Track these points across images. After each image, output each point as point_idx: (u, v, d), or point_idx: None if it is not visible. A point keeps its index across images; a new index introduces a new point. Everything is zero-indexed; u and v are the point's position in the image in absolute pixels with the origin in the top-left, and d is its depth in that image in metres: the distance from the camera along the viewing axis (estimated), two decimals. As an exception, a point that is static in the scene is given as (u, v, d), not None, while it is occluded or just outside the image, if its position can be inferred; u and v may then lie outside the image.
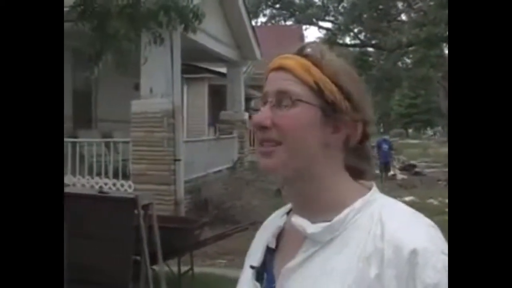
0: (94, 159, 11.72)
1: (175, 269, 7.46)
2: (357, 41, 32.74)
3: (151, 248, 6.08)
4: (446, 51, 40.07)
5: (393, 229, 1.20)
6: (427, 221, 1.24)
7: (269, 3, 33.01)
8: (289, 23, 33.15)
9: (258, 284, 1.35)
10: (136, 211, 5.75)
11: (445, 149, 30.31)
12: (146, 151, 11.30)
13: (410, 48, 29.23)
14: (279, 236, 1.40)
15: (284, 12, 33.37)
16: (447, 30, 27.27)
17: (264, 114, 1.31)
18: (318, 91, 1.28)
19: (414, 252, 1.15)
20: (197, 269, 7.94)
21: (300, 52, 1.34)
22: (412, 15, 29.80)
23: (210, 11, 11.72)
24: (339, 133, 1.30)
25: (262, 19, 33.82)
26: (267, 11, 33.72)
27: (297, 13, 32.11)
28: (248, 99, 19.87)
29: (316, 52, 1.33)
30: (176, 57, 11.42)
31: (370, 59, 34.72)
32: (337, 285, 1.20)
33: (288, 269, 1.28)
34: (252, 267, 1.38)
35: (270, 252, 1.39)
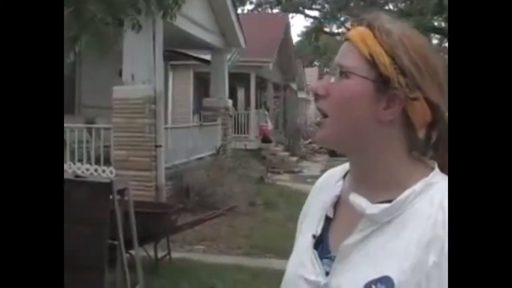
0: (76, 145, 11.70)
1: (152, 254, 7.51)
2: (344, 30, 32.66)
3: (127, 233, 6.11)
4: (434, 41, 40.07)
5: None
6: None
7: (256, -10, 32.94)
8: (275, 11, 33.11)
9: (316, 253, 1.34)
10: (111, 196, 5.77)
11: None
12: (128, 137, 11.29)
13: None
14: (336, 204, 1.38)
15: (270, 0, 33.30)
16: (433, 20, 27.31)
17: (320, 83, 1.31)
18: (372, 63, 1.25)
19: None
20: (175, 255, 7.97)
21: (366, 23, 1.30)
22: (399, 4, 29.80)
23: (193, -2, 11.71)
24: (391, 109, 1.26)
25: (248, 7, 33.75)
26: (254, -1, 33.65)
27: (283, 1, 32.04)
28: (232, 86, 19.85)
29: (377, 22, 1.29)
30: (158, 43, 11.39)
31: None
32: (394, 269, 1.19)
33: (346, 246, 1.27)
34: (313, 236, 1.36)
35: (327, 221, 1.37)
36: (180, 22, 9.72)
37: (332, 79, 1.30)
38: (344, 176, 1.42)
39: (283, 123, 30.81)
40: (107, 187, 5.82)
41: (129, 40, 10.04)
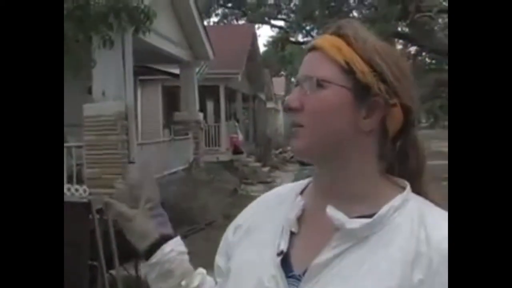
0: (47, 164, 11.55)
1: (133, 272, 7.41)
2: (310, 39, 32.91)
3: (108, 252, 6.02)
4: (398, 47, 40.50)
5: (441, 236, 1.15)
6: None
7: (221, 2, 33.05)
8: (241, 22, 33.21)
9: (282, 271, 1.24)
10: (90, 216, 5.69)
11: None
12: (100, 154, 11.19)
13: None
14: (300, 219, 1.30)
15: (236, 11, 33.45)
16: (397, 26, 27.63)
17: (293, 96, 1.26)
18: (349, 71, 1.21)
19: None
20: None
21: (336, 32, 1.27)
22: (364, 11, 30.10)
23: (161, 12, 11.65)
24: (372, 117, 1.23)
25: (214, 19, 33.85)
26: (219, 11, 33.77)
27: (249, 12, 32.18)
28: (201, 99, 19.82)
29: (350, 30, 1.26)
30: (127, 59, 11.33)
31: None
32: (378, 286, 1.13)
33: (317, 265, 1.19)
34: (281, 252, 1.25)
35: (290, 237, 1.29)
36: (149, 37, 9.66)
37: (305, 91, 1.25)
38: (301, 192, 1.36)
39: (253, 134, 30.84)
40: (85, 206, 5.75)
41: (98, 56, 9.95)
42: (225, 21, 33.80)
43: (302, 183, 1.39)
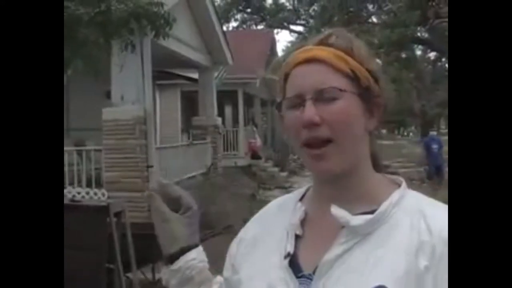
0: (66, 168, 11.62)
1: (150, 276, 7.44)
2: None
3: (125, 255, 6.05)
4: (418, 52, 40.41)
5: (440, 226, 1.20)
6: None
7: (240, 7, 33.10)
8: (260, 27, 33.24)
9: (291, 272, 1.27)
10: (108, 219, 5.72)
11: (418, 149, 30.50)
12: (119, 158, 11.25)
13: (381, 50, 29.41)
14: (303, 222, 1.34)
15: (255, 16, 33.49)
16: (417, 31, 27.55)
17: (311, 111, 1.23)
18: (355, 79, 1.26)
19: None
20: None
21: (325, 42, 1.30)
22: (383, 17, 30.03)
23: (180, 17, 11.71)
24: (374, 117, 1.30)
25: (233, 24, 33.90)
26: (238, 16, 33.80)
27: (268, 17, 32.24)
28: (220, 104, 19.86)
29: (344, 40, 1.30)
30: (146, 63, 11.39)
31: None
32: (388, 277, 1.18)
33: (327, 261, 1.23)
34: (288, 254, 1.29)
35: (295, 240, 1.32)
36: (167, 42, 9.71)
37: (320, 104, 1.25)
38: (301, 199, 1.40)
39: (271, 139, 30.82)
40: (103, 210, 5.78)
41: (117, 61, 10.02)
42: (244, 26, 33.81)
43: (300, 191, 1.43)
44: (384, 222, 1.25)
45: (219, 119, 18.27)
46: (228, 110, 26.90)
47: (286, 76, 1.32)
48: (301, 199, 1.40)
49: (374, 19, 31.62)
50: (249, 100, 27.61)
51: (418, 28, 27.03)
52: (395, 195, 1.28)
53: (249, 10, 33.12)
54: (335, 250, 1.24)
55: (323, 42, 1.30)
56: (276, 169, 24.86)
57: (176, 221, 1.46)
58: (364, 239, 1.24)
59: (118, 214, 5.99)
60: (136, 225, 7.10)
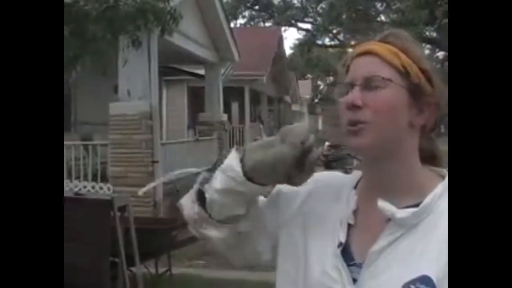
0: (73, 162, 11.68)
1: (153, 270, 7.49)
2: (337, 42, 32.79)
3: (128, 249, 6.09)
4: (426, 52, 40.21)
5: None
6: None
7: (248, 4, 33.02)
8: (268, 24, 33.18)
9: (343, 260, 1.36)
10: (112, 213, 5.76)
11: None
12: (125, 153, 11.28)
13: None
14: (355, 212, 1.43)
15: (263, 13, 33.40)
16: (425, 30, 27.43)
17: (355, 95, 1.35)
18: (405, 73, 1.35)
19: None
20: (175, 270, 7.94)
21: (385, 39, 1.41)
22: (391, 15, 29.93)
23: (187, 13, 11.72)
24: (423, 114, 1.37)
25: (241, 21, 33.84)
26: (246, 13, 33.73)
27: (276, 14, 32.15)
28: (226, 100, 19.85)
29: (400, 39, 1.41)
30: (153, 59, 11.42)
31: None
32: (431, 267, 1.25)
33: (375, 252, 1.32)
34: (340, 243, 1.38)
35: (348, 229, 1.41)
36: (174, 38, 9.76)
37: (366, 91, 1.35)
38: (355, 187, 1.48)
39: (277, 136, 30.74)
40: (107, 204, 5.82)
41: (125, 56, 10.05)
42: (252, 23, 33.75)
43: (354, 177, 1.51)
44: (429, 214, 1.32)
45: (225, 116, 18.26)
46: (234, 107, 26.89)
47: (348, 68, 1.43)
48: (355, 187, 1.48)
49: (383, 18, 31.51)
50: (255, 97, 27.62)
51: (426, 27, 26.94)
52: (440, 188, 1.35)
53: (257, 7, 33.05)
54: (382, 241, 1.33)
55: (382, 40, 1.41)
56: (281, 166, 24.79)
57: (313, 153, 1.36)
58: (410, 230, 1.32)
59: (122, 208, 6.02)
60: (140, 220, 7.15)
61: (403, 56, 1.37)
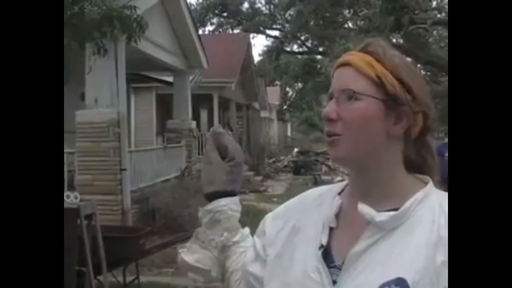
0: (39, 170, 11.55)
1: (121, 279, 7.43)
2: (305, 49, 32.86)
3: (96, 258, 6.05)
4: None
5: None
6: None
7: (216, 11, 32.96)
8: (236, 31, 33.17)
9: (323, 262, 1.39)
10: (78, 221, 5.71)
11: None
12: (92, 161, 11.20)
13: (357, 55, 29.30)
14: (337, 215, 1.45)
15: (231, 20, 33.36)
16: (392, 37, 27.59)
17: (330, 108, 1.39)
18: (380, 84, 1.37)
19: None
20: (143, 278, 7.90)
21: (364, 49, 1.42)
22: (358, 22, 30.10)
23: (155, 20, 11.71)
24: (401, 123, 1.39)
25: (209, 28, 33.78)
26: (215, 20, 33.67)
27: (244, 21, 32.13)
28: (195, 107, 19.83)
29: (378, 48, 1.42)
30: (120, 66, 11.36)
31: (318, 66, 34.86)
32: (407, 270, 1.27)
33: (354, 254, 1.35)
34: (322, 246, 1.41)
35: (330, 232, 1.44)
36: (142, 45, 9.71)
37: (341, 103, 1.39)
38: (340, 193, 1.51)
39: (247, 143, 30.81)
40: (74, 212, 5.76)
41: (91, 64, 9.99)
42: (220, 30, 33.73)
43: (341, 185, 1.55)
44: (408, 218, 1.35)
45: (194, 123, 18.23)
46: (203, 114, 26.84)
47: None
48: (340, 193, 1.51)
49: (350, 24, 31.64)
50: (224, 104, 27.60)
51: (393, 34, 27.14)
52: (420, 193, 1.38)
53: (225, 14, 32.99)
54: (362, 244, 1.35)
55: (361, 49, 1.43)
56: (251, 173, 24.84)
57: (217, 166, 1.63)
58: (389, 233, 1.34)
59: (89, 217, 5.98)
60: (107, 228, 7.10)
61: (378, 66, 1.39)
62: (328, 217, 1.45)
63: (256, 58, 34.64)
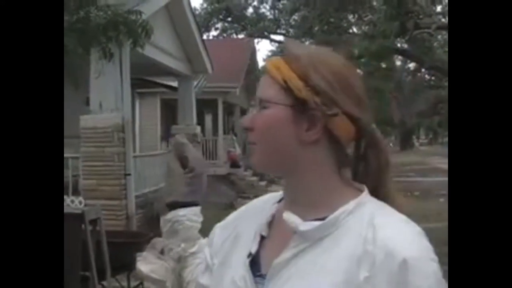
0: (44, 175, 11.55)
1: (125, 284, 7.41)
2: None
3: (100, 263, 6.03)
4: (397, 63, 40.60)
5: (385, 236, 1.22)
6: (417, 228, 1.26)
7: (221, 16, 33.08)
8: (240, 36, 33.25)
9: (250, 271, 1.37)
10: (83, 226, 5.70)
11: (397, 159, 30.60)
12: (97, 166, 11.19)
13: (361, 60, 29.46)
14: (270, 224, 1.42)
15: (235, 25, 33.48)
16: (396, 42, 27.64)
17: (247, 116, 1.39)
18: (287, 89, 1.30)
19: (405, 261, 1.18)
20: (147, 284, 7.88)
21: (280, 53, 1.38)
22: (363, 27, 30.12)
23: (160, 26, 11.71)
24: (314, 129, 1.30)
25: (214, 33, 33.88)
26: (219, 25, 33.78)
27: (248, 26, 32.22)
28: (200, 112, 19.83)
29: (287, 49, 1.36)
30: (125, 71, 11.36)
31: (322, 71, 34.77)
32: (326, 283, 1.23)
33: (278, 264, 1.30)
34: (250, 254, 1.38)
35: (261, 240, 1.41)
36: (147, 50, 9.71)
37: (255, 112, 1.36)
38: (280, 201, 1.47)
39: (251, 148, 30.77)
40: (78, 217, 5.75)
41: (97, 69, 10.00)
42: (225, 35, 33.82)
43: (281, 193, 1.49)
44: (335, 229, 1.29)
45: (198, 128, 18.23)
46: (208, 119, 26.86)
47: None
48: (280, 200, 1.46)
49: (355, 30, 31.69)
50: (229, 109, 27.63)
51: (398, 39, 27.15)
52: (351, 204, 1.31)
53: (229, 19, 33.13)
54: (286, 253, 1.30)
55: (279, 53, 1.37)
56: (255, 178, 24.83)
57: (177, 177, 1.61)
58: (315, 244, 1.29)
59: (93, 222, 5.96)
60: (112, 233, 7.09)
61: (285, 70, 1.32)
62: (260, 225, 1.42)
63: (261, 63, 34.66)
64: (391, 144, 70.90)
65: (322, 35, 29.33)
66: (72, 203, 11.03)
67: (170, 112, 22.37)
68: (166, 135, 21.06)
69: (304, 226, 1.29)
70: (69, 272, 5.60)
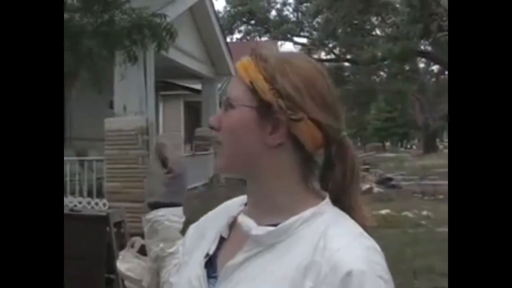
0: (68, 178, 11.64)
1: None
2: (332, 56, 32.89)
3: (125, 266, 6.05)
4: (420, 65, 40.47)
5: (335, 247, 1.18)
6: (370, 243, 1.22)
7: (244, 19, 33.15)
8: (264, 39, 33.29)
9: (205, 272, 1.35)
10: (108, 229, 5.73)
11: (421, 162, 30.44)
12: (121, 169, 11.23)
13: (385, 62, 29.37)
14: (232, 225, 1.40)
15: (259, 28, 33.54)
16: (420, 44, 27.57)
17: (214, 116, 1.34)
18: (253, 91, 1.27)
19: (349, 274, 1.14)
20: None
21: (252, 53, 1.33)
22: (386, 29, 30.04)
23: (184, 29, 11.75)
24: (277, 133, 1.26)
25: (237, 35, 33.97)
26: (242, 28, 33.87)
27: (272, 29, 32.28)
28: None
29: (258, 51, 1.32)
30: (149, 74, 11.43)
31: (346, 73, 34.87)
32: None
33: (230, 266, 1.28)
34: (207, 254, 1.37)
35: (220, 241, 1.39)
36: (171, 53, 9.75)
37: (222, 111, 1.34)
38: (246, 204, 1.44)
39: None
40: (103, 220, 5.79)
41: (120, 71, 10.06)
42: (248, 37, 33.87)
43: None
44: (288, 236, 1.26)
45: (222, 130, 18.29)
46: (231, 121, 26.91)
47: None
48: (246, 204, 1.44)
49: (378, 32, 31.65)
50: (252, 112, 27.68)
51: (421, 41, 27.05)
52: (308, 212, 1.27)
53: (253, 22, 33.19)
54: (239, 257, 1.29)
55: (251, 53, 1.34)
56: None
57: (156, 178, 1.59)
58: (267, 250, 1.27)
59: (118, 224, 6.00)
60: (136, 235, 7.11)
61: (252, 71, 1.29)
62: (221, 226, 1.41)
63: (284, 65, 34.77)
64: (414, 147, 70.46)
65: (345, 37, 29.32)
66: (96, 206, 11.09)
67: (193, 115, 22.44)
68: (190, 138, 21.12)
69: (257, 230, 1.27)
70: (94, 274, 5.64)
